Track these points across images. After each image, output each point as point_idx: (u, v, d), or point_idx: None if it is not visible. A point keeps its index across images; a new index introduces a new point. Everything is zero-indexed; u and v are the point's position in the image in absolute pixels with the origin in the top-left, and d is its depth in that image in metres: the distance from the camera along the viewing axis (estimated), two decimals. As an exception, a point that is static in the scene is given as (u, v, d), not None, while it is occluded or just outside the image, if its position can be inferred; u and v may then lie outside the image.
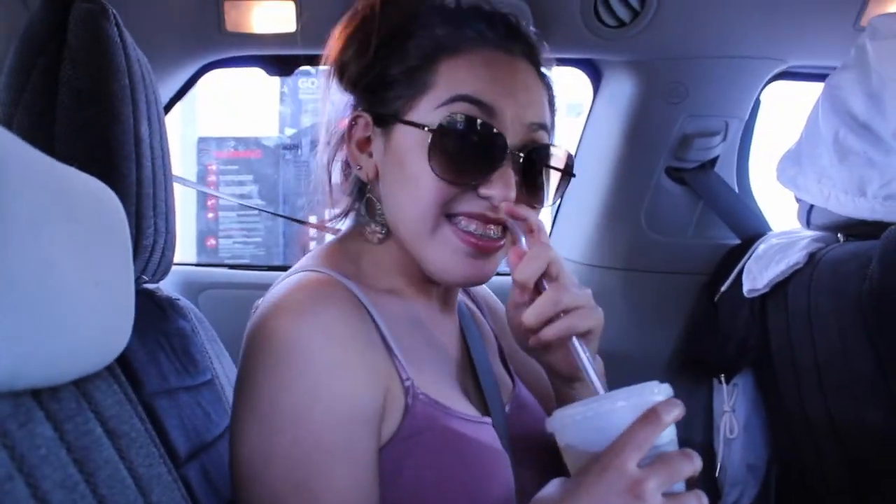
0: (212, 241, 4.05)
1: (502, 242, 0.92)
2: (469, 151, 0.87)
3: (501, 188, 0.88)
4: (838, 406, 1.37)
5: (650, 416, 0.72)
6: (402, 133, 0.91)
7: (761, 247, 1.70)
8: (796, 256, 1.50)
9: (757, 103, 1.95)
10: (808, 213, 1.54)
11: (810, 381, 1.44)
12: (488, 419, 0.94)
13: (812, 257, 1.48)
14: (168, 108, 1.88)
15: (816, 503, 1.52)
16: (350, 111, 1.00)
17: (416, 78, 0.91)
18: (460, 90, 0.88)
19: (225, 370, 1.26)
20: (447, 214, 0.90)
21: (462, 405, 0.92)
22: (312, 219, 1.98)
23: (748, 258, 1.72)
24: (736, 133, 1.93)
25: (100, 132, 0.87)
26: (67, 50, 0.87)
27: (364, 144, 0.97)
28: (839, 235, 1.51)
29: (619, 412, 0.73)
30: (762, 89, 1.91)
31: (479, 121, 0.87)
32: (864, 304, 1.27)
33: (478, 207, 0.89)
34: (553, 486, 0.77)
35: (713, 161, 1.94)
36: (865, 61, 1.38)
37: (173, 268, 1.10)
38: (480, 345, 1.07)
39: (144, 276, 1.01)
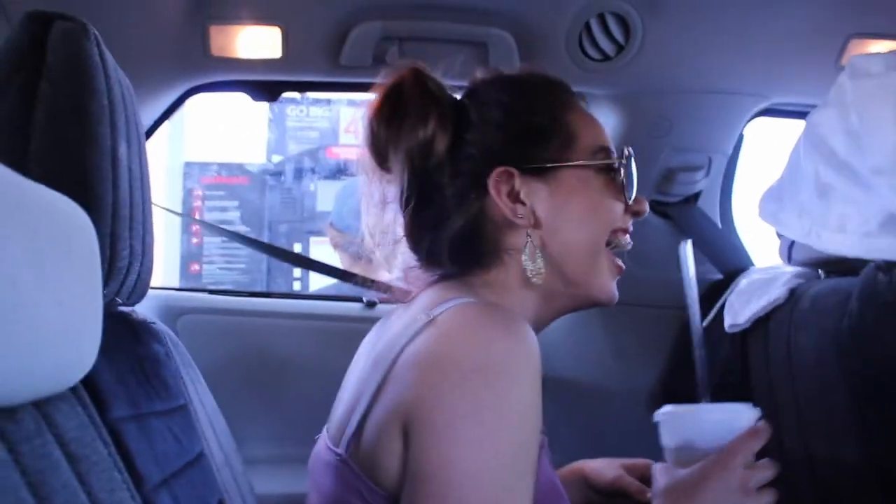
0: (195, 267, 4.04)
1: None
2: (630, 178, 1.07)
3: (644, 202, 1.10)
4: (815, 442, 1.37)
5: (757, 432, 0.95)
6: (568, 176, 1.04)
7: (743, 282, 1.70)
8: (777, 292, 1.50)
9: (740, 139, 1.96)
10: (789, 249, 1.54)
11: (788, 417, 1.43)
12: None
13: (793, 293, 1.48)
14: (151, 130, 1.87)
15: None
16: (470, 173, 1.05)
17: (558, 131, 1.05)
18: (598, 142, 1.07)
19: (199, 396, 1.23)
20: (606, 242, 1.07)
21: None
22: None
23: (730, 293, 1.72)
24: (719, 168, 1.95)
25: (76, 151, 0.86)
26: (46, 68, 0.86)
27: (509, 196, 1.03)
28: (820, 272, 1.51)
29: (738, 420, 0.97)
30: (745, 125, 1.92)
31: (626, 156, 1.07)
32: (842, 340, 1.27)
33: (625, 224, 1.09)
34: (671, 478, 0.98)
35: (696, 195, 1.95)
36: (844, 100, 1.39)
37: (153, 291, 1.09)
38: None
39: (118, 299, 0.99)
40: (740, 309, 1.61)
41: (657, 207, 1.95)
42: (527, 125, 1.06)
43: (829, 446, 1.33)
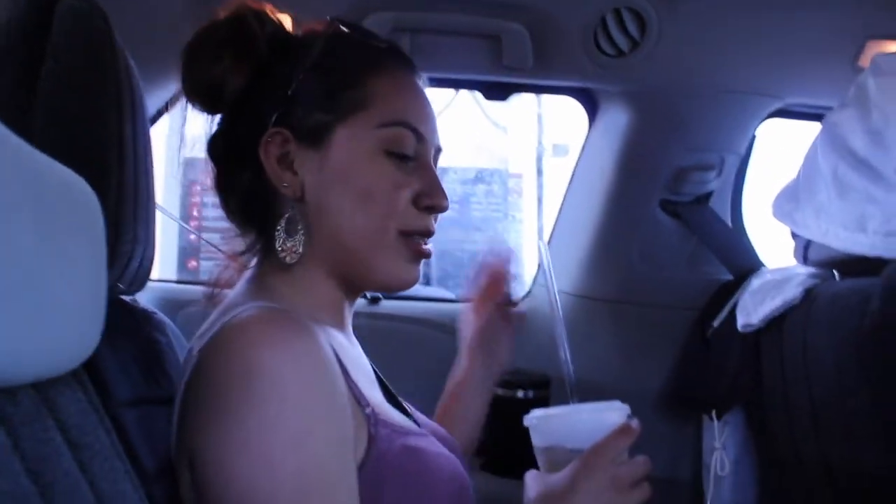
0: (193, 263, 4.00)
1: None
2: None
3: (442, 196, 0.96)
4: (832, 447, 1.33)
5: (626, 429, 0.89)
6: (344, 148, 0.93)
7: (755, 282, 1.67)
8: (792, 292, 1.47)
9: (752, 139, 1.93)
10: (804, 249, 1.51)
11: (804, 421, 1.40)
12: (424, 430, 1.00)
13: (808, 293, 1.45)
14: (153, 120, 1.83)
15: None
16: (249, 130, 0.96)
17: (345, 95, 0.94)
18: (399, 116, 0.94)
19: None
20: (400, 232, 0.95)
21: (405, 421, 0.97)
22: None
23: (741, 293, 1.69)
24: (731, 168, 1.92)
25: (80, 129, 0.83)
26: (50, 43, 0.83)
27: (281, 162, 0.94)
28: (835, 272, 1.48)
29: (608, 418, 0.92)
30: (758, 125, 1.89)
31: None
32: (862, 340, 1.24)
33: (424, 223, 0.96)
34: (543, 485, 0.90)
35: (707, 195, 1.93)
36: (866, 99, 1.37)
37: (153, 284, 1.06)
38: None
39: (120, 285, 0.96)
40: (753, 309, 1.58)
41: (668, 207, 1.92)
42: (317, 84, 0.94)
43: (848, 452, 1.29)
